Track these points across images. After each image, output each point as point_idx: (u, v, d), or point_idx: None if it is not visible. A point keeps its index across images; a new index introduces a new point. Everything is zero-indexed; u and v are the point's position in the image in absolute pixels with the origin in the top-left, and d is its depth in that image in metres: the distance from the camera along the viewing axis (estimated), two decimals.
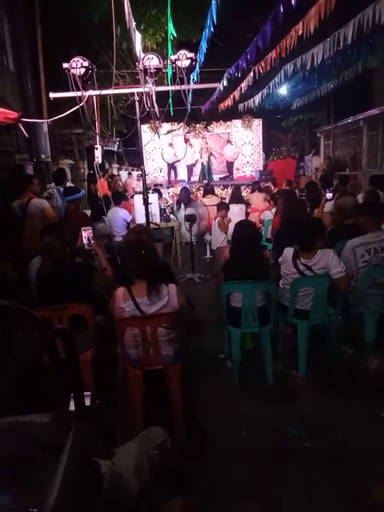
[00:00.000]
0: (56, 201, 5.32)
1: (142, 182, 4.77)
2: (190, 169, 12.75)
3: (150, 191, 6.60)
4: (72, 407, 1.07)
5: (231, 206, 6.48)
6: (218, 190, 11.18)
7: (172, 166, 12.68)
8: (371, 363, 3.11)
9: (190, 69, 4.15)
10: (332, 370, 3.26)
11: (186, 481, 2.21)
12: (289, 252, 3.28)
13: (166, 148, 12.06)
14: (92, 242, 3.40)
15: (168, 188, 10.81)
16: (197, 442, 2.55)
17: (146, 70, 3.92)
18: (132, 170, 15.89)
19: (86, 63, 3.89)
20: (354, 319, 3.47)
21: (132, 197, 8.15)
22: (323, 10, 4.38)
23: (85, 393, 1.10)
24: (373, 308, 3.32)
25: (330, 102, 14.10)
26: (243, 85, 8.56)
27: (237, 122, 12.60)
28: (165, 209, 7.13)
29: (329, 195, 6.09)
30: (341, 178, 7.95)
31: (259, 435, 2.62)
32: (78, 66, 3.87)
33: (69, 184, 5.98)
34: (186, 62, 3.90)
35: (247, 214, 7.35)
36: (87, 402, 1.10)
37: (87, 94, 4.03)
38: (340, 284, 3.14)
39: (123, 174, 14.78)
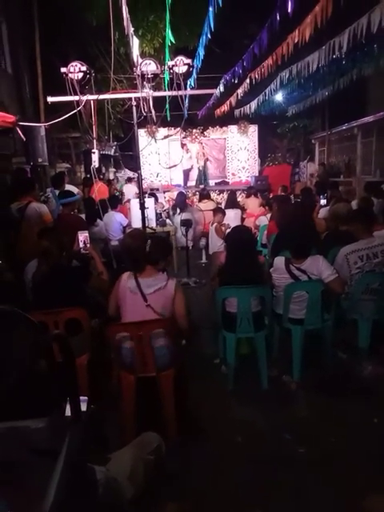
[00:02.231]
0: (52, 204, 5.30)
1: (136, 186, 4.77)
2: (186, 173, 12.78)
3: (146, 195, 6.60)
4: (68, 412, 1.07)
5: (227, 211, 6.50)
6: (213, 195, 11.22)
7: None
8: (365, 369, 3.13)
9: (187, 75, 4.17)
10: (326, 375, 3.28)
11: (181, 486, 2.21)
12: (280, 260, 3.30)
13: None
14: (88, 245, 3.39)
15: (164, 192, 10.84)
16: (191, 446, 2.55)
17: (143, 76, 3.95)
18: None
19: (83, 68, 3.90)
20: (348, 325, 3.49)
21: (128, 201, 8.15)
22: (319, 19, 4.44)
23: (81, 398, 1.09)
24: (366, 314, 3.34)
25: (325, 109, 14.19)
26: (239, 91, 8.61)
27: (233, 128, 12.65)
28: (161, 213, 7.14)
29: (323, 201, 6.14)
30: (332, 183, 8.00)
31: (254, 440, 2.63)
32: (75, 70, 3.89)
33: (70, 187, 5.95)
34: (183, 68, 3.93)
35: (243, 219, 7.38)
36: (83, 407, 1.10)
37: (85, 98, 4.04)
38: (334, 286, 3.15)
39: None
